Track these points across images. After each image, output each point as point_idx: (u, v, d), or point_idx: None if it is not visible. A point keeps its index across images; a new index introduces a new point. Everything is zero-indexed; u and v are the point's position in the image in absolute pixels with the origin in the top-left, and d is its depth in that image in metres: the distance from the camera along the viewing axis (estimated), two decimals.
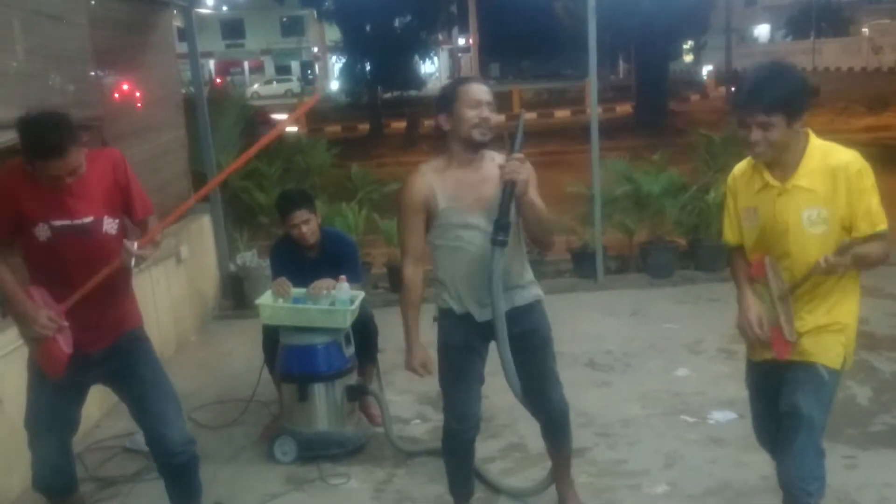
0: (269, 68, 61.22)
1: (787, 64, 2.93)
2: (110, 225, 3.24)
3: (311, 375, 4.40)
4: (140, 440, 4.12)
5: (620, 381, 5.38)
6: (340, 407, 4.46)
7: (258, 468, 4.45)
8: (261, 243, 7.71)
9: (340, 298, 4.39)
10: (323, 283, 4.45)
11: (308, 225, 4.60)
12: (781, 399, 2.99)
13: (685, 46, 39.10)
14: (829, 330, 2.92)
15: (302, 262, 4.64)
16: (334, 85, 41.02)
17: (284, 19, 60.09)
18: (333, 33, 34.23)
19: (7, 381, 3.95)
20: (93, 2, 5.77)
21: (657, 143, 11.97)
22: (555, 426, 3.62)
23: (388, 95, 28.90)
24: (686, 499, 3.88)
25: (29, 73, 4.73)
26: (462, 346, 3.39)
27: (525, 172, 3.10)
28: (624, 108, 27.11)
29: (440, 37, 36.80)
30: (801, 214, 2.85)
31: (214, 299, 7.50)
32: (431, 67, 43.69)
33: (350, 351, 4.53)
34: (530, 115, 28.69)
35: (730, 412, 4.67)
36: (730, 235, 3.14)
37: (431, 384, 5.31)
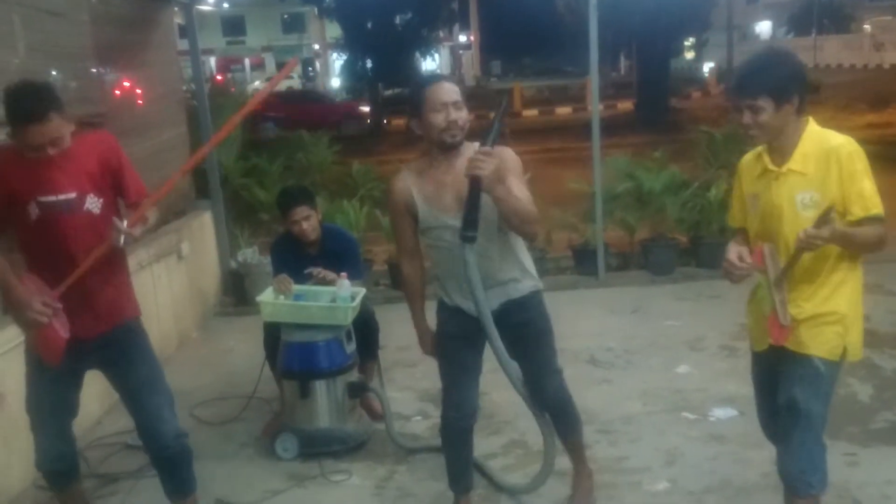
0: (270, 65, 61.07)
1: (780, 50, 3.00)
2: (93, 203, 3.22)
3: (312, 372, 4.40)
4: None
5: (621, 378, 5.38)
6: (342, 404, 4.47)
7: (259, 465, 4.45)
8: (262, 240, 7.70)
9: (341, 295, 4.40)
10: (325, 271, 4.47)
11: (309, 221, 4.60)
12: (780, 392, 3.00)
13: (686, 43, 39.05)
14: (827, 321, 2.91)
15: (303, 259, 4.64)
16: (335, 82, 40.98)
17: (285, 16, 60.03)
18: (334, 30, 34.16)
19: (9, 377, 3.96)
20: None
21: (658, 141, 11.96)
22: (558, 415, 3.63)
23: (388, 92, 28.87)
24: (687, 496, 3.88)
25: (30, 70, 4.72)
26: (457, 335, 3.41)
27: (489, 167, 3.01)
28: (625, 106, 27.08)
29: (441, 34, 36.71)
30: (795, 198, 2.87)
31: (215, 296, 7.50)
32: (432, 64, 43.55)
33: (351, 348, 4.53)
34: (531, 113, 28.76)
35: (731, 409, 4.67)
36: (731, 218, 3.23)
37: (432, 381, 5.33)
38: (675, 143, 11.14)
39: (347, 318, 4.40)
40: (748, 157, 3.12)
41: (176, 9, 7.70)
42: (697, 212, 7.75)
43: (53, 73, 5.04)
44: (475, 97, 33.96)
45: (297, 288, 4.49)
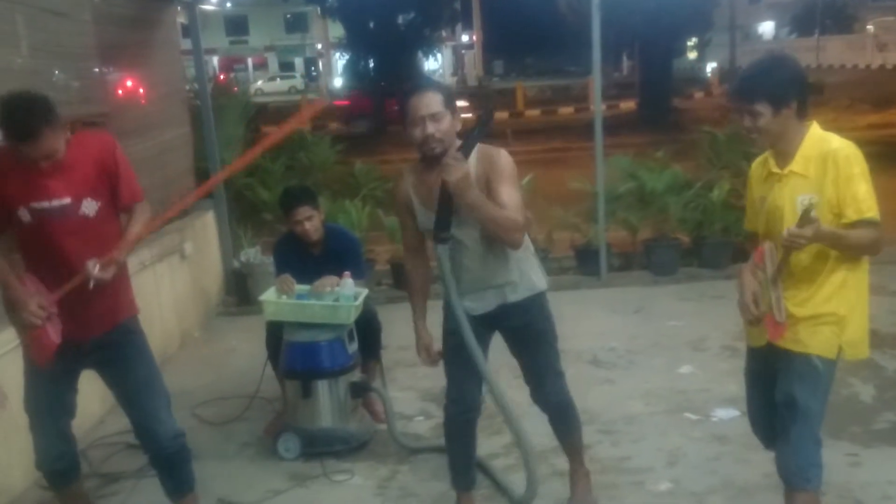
0: (273, 65, 61.19)
1: (781, 56, 3.06)
2: (89, 207, 3.22)
3: (314, 372, 4.40)
4: None
5: (624, 378, 5.38)
6: (344, 403, 4.47)
7: (261, 465, 4.45)
8: (264, 240, 7.71)
9: (344, 295, 4.40)
10: (326, 281, 4.46)
11: (311, 221, 4.60)
12: (777, 389, 3.04)
13: (689, 43, 39.03)
14: (826, 321, 2.94)
15: (305, 259, 4.64)
16: (338, 81, 41.00)
17: (288, 16, 60.10)
18: (337, 30, 34.22)
19: (10, 378, 3.95)
20: None
21: (661, 141, 11.94)
22: (558, 417, 3.65)
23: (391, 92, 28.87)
24: (689, 496, 3.88)
25: (33, 70, 4.74)
26: (458, 331, 3.40)
27: (456, 174, 3.01)
28: (628, 105, 27.02)
29: (444, 34, 36.77)
30: (795, 200, 2.91)
31: (218, 296, 7.50)
32: (435, 64, 43.62)
33: (353, 347, 4.53)
34: (533, 112, 28.72)
35: (733, 409, 4.67)
36: (746, 221, 3.28)
37: (434, 381, 5.33)
38: (678, 143, 11.13)
39: (350, 318, 4.41)
40: (757, 162, 3.17)
41: (179, 8, 7.72)
42: (700, 212, 7.74)
43: (56, 72, 5.05)
44: (478, 97, 33.97)
45: (299, 287, 4.49)
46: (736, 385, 4.80)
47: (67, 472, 3.56)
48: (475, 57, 55.41)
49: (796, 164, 2.92)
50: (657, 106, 23.47)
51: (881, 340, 5.55)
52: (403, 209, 3.41)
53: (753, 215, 3.18)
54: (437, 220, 3.17)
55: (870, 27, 44.43)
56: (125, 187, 3.34)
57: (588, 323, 6.39)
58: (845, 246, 2.87)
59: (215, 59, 51.40)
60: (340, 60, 36.50)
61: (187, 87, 8.00)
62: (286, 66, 60.43)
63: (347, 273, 4.43)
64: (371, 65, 27.50)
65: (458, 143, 3.20)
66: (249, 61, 60.86)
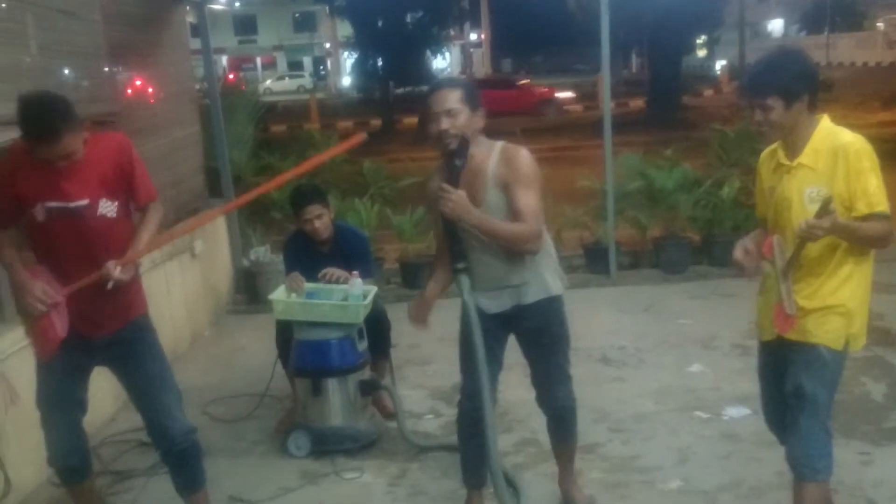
0: (282, 64, 61.27)
1: (790, 49, 3.08)
2: (107, 208, 3.24)
3: (324, 370, 4.41)
4: None
5: (634, 376, 5.37)
6: (354, 402, 4.47)
7: (272, 462, 4.46)
8: (274, 238, 7.72)
9: (353, 293, 4.40)
10: (335, 270, 4.47)
11: (321, 220, 4.61)
12: (787, 380, 3.06)
13: (698, 41, 38.88)
14: (834, 312, 2.96)
15: (315, 257, 4.65)
16: (346, 80, 41.02)
17: (297, 15, 60.13)
18: (345, 29, 34.25)
19: (24, 376, 3.97)
20: None
21: (670, 138, 11.92)
22: (559, 423, 3.66)
23: (399, 91, 28.89)
24: (699, 494, 3.87)
25: (43, 69, 4.75)
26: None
27: (450, 206, 3.08)
28: (637, 103, 26.99)
29: (452, 32, 36.70)
30: (804, 192, 2.94)
31: (228, 294, 7.52)
32: (443, 63, 43.58)
33: (363, 346, 4.54)
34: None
35: (744, 408, 4.66)
36: (757, 210, 3.29)
37: (444, 379, 5.34)
38: (688, 140, 11.12)
39: (359, 317, 4.41)
40: (765, 153, 3.19)
41: (188, 8, 7.73)
42: (710, 210, 7.73)
43: (66, 72, 5.06)
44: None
45: (309, 286, 4.50)
46: (747, 383, 4.79)
47: (79, 469, 3.58)
48: (483, 55, 55.39)
49: (805, 157, 2.94)
50: (666, 104, 23.39)
51: (893, 339, 5.54)
52: (432, 205, 3.37)
53: (763, 203, 3.19)
54: (451, 253, 3.18)
55: (880, 24, 44.26)
56: (141, 187, 3.37)
57: (598, 321, 6.38)
58: (858, 238, 2.88)
59: (224, 59, 51.54)
60: (349, 59, 36.49)
61: (196, 87, 8.01)
62: (295, 66, 60.51)
63: (356, 272, 4.44)
64: (379, 64, 27.49)
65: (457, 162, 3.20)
66: (258, 61, 60.96)
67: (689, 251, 7.71)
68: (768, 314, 3.10)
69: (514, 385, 3.81)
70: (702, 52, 44.90)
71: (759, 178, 3.21)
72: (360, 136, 3.63)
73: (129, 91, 6.29)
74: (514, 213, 3.22)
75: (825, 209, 2.72)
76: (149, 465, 4.36)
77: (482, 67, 53.19)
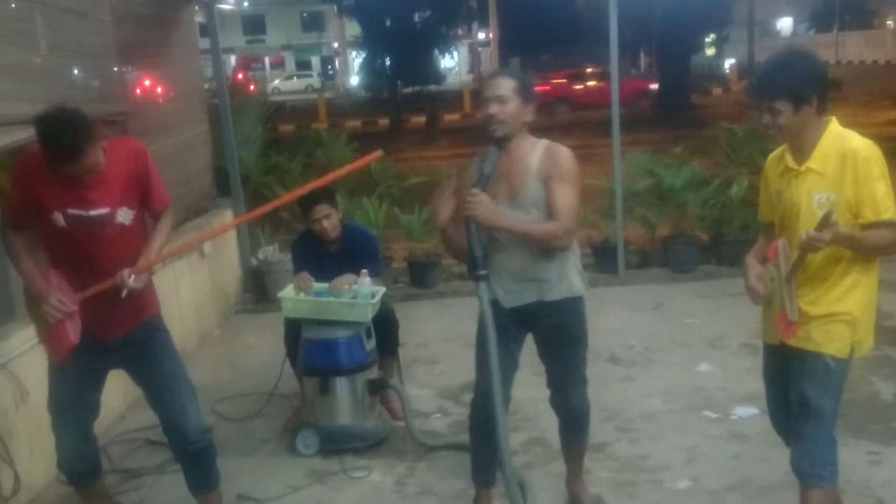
0: (290, 64, 61.35)
1: (801, 52, 2.99)
2: (125, 215, 3.26)
3: (332, 369, 4.42)
4: None
5: (642, 375, 5.36)
6: (362, 400, 4.48)
7: (281, 461, 4.47)
8: (282, 238, 7.74)
9: (362, 292, 4.40)
10: (344, 280, 4.47)
11: (329, 219, 4.61)
12: (791, 388, 3.04)
13: (707, 39, 38.79)
14: (839, 319, 2.93)
15: (323, 257, 4.65)
16: (354, 80, 41.05)
17: (305, 15, 60.23)
18: (354, 28, 34.25)
19: (33, 374, 4.00)
20: None
21: (679, 137, 11.89)
22: (572, 424, 3.66)
23: (407, 90, 28.89)
24: (708, 494, 3.86)
25: (53, 69, 4.78)
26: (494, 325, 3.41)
27: (479, 209, 3.11)
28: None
29: (460, 31, 36.74)
30: (812, 197, 2.90)
31: (236, 293, 7.54)
32: (451, 62, 43.59)
33: (371, 345, 4.54)
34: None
35: (752, 407, 4.64)
36: (760, 214, 3.29)
37: (452, 378, 5.34)
38: (696, 139, 11.08)
39: (367, 316, 4.42)
40: (772, 156, 3.15)
41: (197, 8, 7.75)
42: (719, 209, 7.71)
43: (75, 71, 5.09)
44: None
45: (317, 285, 4.50)
46: (755, 383, 4.76)
47: (88, 472, 3.59)
48: (491, 54, 55.34)
49: (814, 162, 2.90)
50: (675, 102, 23.35)
51: None
52: (463, 190, 3.37)
53: (768, 208, 3.16)
54: (470, 259, 3.17)
55: (889, 23, 44.06)
56: (155, 195, 3.39)
57: (606, 320, 6.36)
58: (862, 248, 2.86)
59: (233, 59, 51.60)
60: (357, 59, 36.53)
61: (205, 86, 8.03)
62: (303, 65, 60.60)
63: (364, 271, 4.44)
64: (387, 63, 27.51)
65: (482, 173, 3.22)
66: (266, 60, 61.04)
67: (697, 250, 7.69)
68: (772, 318, 3.08)
69: (524, 384, 3.80)
70: (710, 51, 44.80)
71: (766, 182, 3.18)
72: (377, 153, 3.64)
73: (139, 91, 6.31)
74: (550, 208, 3.26)
75: (826, 222, 2.68)
76: (158, 464, 4.38)
77: (490, 66, 53.11)
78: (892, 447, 4.17)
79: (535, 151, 3.31)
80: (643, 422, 4.66)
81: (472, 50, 57.01)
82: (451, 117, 27.08)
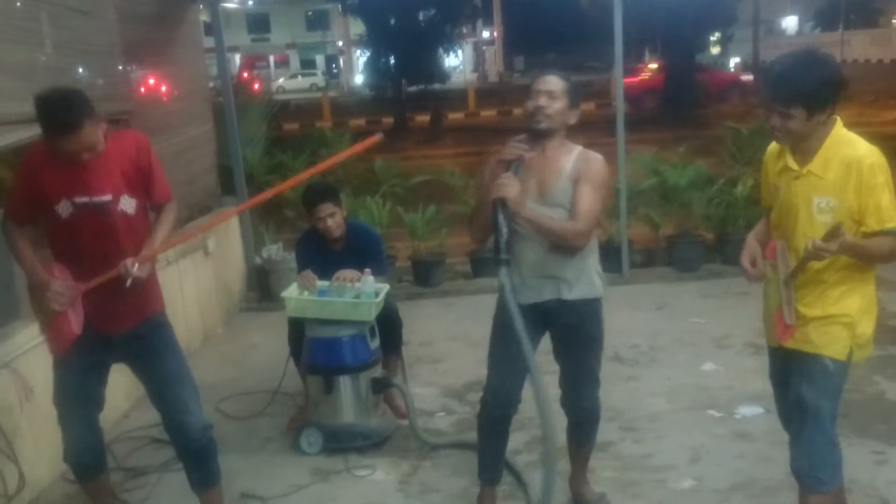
0: (294, 62, 61.42)
1: (818, 55, 2.87)
2: (127, 204, 3.27)
3: (336, 368, 4.42)
4: None
5: (647, 375, 5.35)
6: (365, 399, 4.48)
7: (284, 459, 4.48)
8: (286, 236, 7.73)
9: (365, 291, 4.41)
10: (347, 273, 4.47)
11: (333, 218, 4.61)
12: (790, 390, 3.04)
13: (712, 38, 38.74)
14: (837, 321, 2.92)
15: (327, 255, 4.65)
16: (359, 78, 41.06)
17: (309, 13, 60.29)
18: (358, 27, 34.30)
19: (38, 372, 4.00)
20: None
21: (684, 136, 11.86)
22: (581, 425, 3.66)
23: (412, 89, 28.90)
24: (712, 494, 3.85)
25: (57, 68, 4.78)
26: (508, 325, 3.39)
27: (513, 191, 3.12)
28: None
29: (464, 30, 36.70)
30: (812, 200, 2.88)
31: (240, 292, 7.54)
32: (455, 61, 43.60)
33: (375, 343, 4.54)
34: None
35: (757, 407, 4.64)
36: (763, 200, 3.28)
37: (456, 377, 5.34)
38: (701, 138, 11.05)
39: (371, 315, 4.42)
40: (773, 148, 3.12)
41: (201, 6, 7.75)
42: (724, 208, 7.69)
43: (80, 70, 5.09)
44: (498, 93, 33.91)
45: (321, 284, 4.51)
46: (760, 382, 4.76)
47: (94, 466, 3.61)
48: (496, 53, 55.35)
49: (815, 165, 2.86)
50: (680, 101, 23.30)
51: None
52: (488, 180, 3.38)
53: (769, 193, 3.15)
54: (495, 243, 3.15)
55: (895, 21, 43.92)
56: (158, 186, 3.41)
57: (610, 319, 6.25)
58: (864, 256, 2.85)
59: (237, 57, 51.65)
60: (361, 57, 36.55)
61: (210, 85, 8.04)
62: (307, 64, 60.67)
63: (368, 270, 4.44)
64: (392, 62, 27.52)
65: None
66: (271, 59, 61.10)
67: (702, 249, 7.68)
68: (769, 319, 3.08)
69: (526, 384, 3.80)
70: (715, 50, 44.74)
71: (765, 171, 3.16)
72: (376, 137, 3.64)
73: (143, 89, 6.32)
74: (572, 207, 3.28)
75: (834, 234, 2.66)
76: (162, 462, 4.38)
77: (494, 65, 53.13)
78: None
79: (570, 154, 3.36)
80: (647, 421, 4.65)
81: (477, 49, 57.07)
82: (455, 116, 27.10)
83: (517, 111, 27.35)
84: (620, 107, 7.60)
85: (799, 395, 2.96)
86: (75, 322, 3.22)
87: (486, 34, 55.32)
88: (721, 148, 9.16)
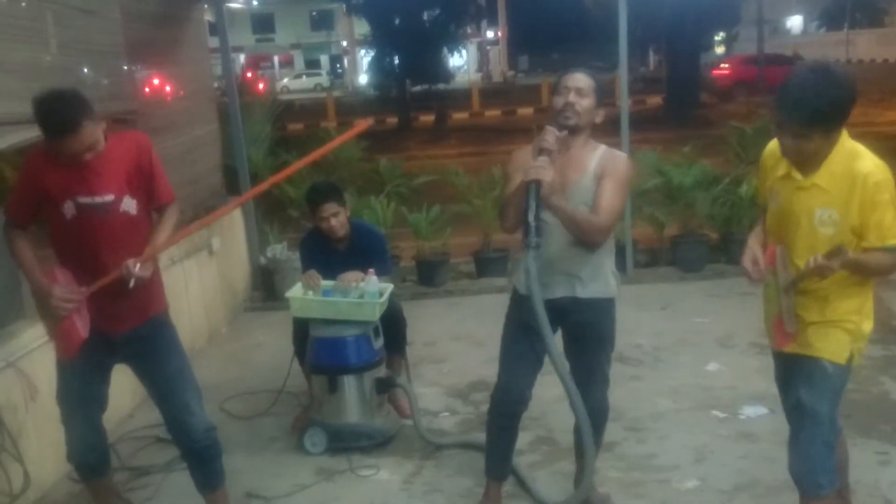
0: (299, 62, 61.48)
1: (834, 75, 2.77)
2: (129, 204, 3.27)
3: (340, 367, 4.42)
4: None
5: (650, 375, 5.35)
6: (370, 399, 4.48)
7: (288, 459, 4.48)
8: (290, 236, 7.74)
9: (369, 291, 4.41)
10: (351, 276, 4.47)
11: (337, 218, 4.62)
12: (789, 393, 3.04)
13: (716, 38, 38.67)
14: (837, 326, 2.92)
15: (331, 255, 4.66)
16: (363, 78, 41.08)
17: (314, 13, 60.33)
18: (362, 27, 34.28)
19: (42, 372, 4.01)
20: None
21: (688, 136, 11.86)
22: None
23: (416, 89, 28.92)
24: (716, 494, 3.85)
25: (62, 67, 4.79)
26: (520, 323, 3.43)
27: (545, 174, 3.14)
28: (654, 100, 26.88)
29: (469, 30, 36.73)
30: (815, 212, 2.86)
31: (245, 291, 7.55)
32: (460, 61, 43.66)
33: (379, 343, 4.55)
34: None
35: (761, 407, 4.63)
36: (759, 196, 3.29)
37: (460, 377, 5.34)
38: (705, 138, 11.03)
39: (375, 314, 4.42)
40: (770, 150, 3.09)
41: (206, 6, 7.76)
42: (728, 208, 7.68)
43: (85, 69, 5.10)
44: (503, 93, 33.89)
45: (325, 284, 4.51)
46: (764, 382, 4.76)
47: (98, 465, 3.62)
48: (500, 53, 55.32)
49: (820, 178, 2.83)
50: (684, 101, 23.28)
51: None
52: (514, 173, 3.42)
53: (766, 196, 3.13)
54: (526, 225, 3.17)
55: None
56: (160, 187, 3.41)
57: None
58: (864, 270, 2.85)
59: (242, 57, 51.72)
60: (366, 57, 36.55)
61: (215, 85, 8.05)
62: (312, 64, 60.72)
63: (372, 270, 4.45)
64: (396, 61, 27.53)
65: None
66: (275, 59, 61.17)
67: (706, 249, 7.67)
68: (771, 325, 3.08)
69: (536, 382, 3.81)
70: (720, 49, 44.64)
71: (763, 171, 3.14)
72: (367, 123, 3.65)
73: (148, 89, 6.33)
74: (594, 202, 3.29)
75: (836, 253, 2.66)
76: (166, 462, 4.39)
77: (499, 65, 53.10)
78: None
79: (595, 152, 3.38)
80: (651, 421, 4.65)
81: (481, 48, 57.07)
82: (459, 116, 27.10)
83: (521, 111, 27.42)
84: (625, 106, 7.59)
85: (797, 398, 2.96)
86: (82, 326, 3.22)
87: (490, 34, 55.32)
88: (725, 147, 9.15)
